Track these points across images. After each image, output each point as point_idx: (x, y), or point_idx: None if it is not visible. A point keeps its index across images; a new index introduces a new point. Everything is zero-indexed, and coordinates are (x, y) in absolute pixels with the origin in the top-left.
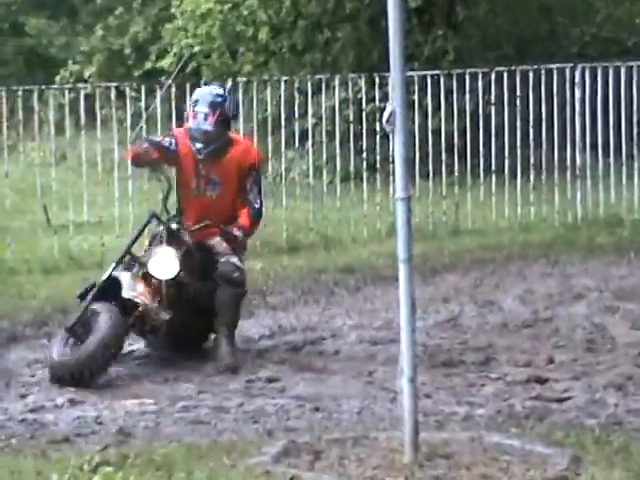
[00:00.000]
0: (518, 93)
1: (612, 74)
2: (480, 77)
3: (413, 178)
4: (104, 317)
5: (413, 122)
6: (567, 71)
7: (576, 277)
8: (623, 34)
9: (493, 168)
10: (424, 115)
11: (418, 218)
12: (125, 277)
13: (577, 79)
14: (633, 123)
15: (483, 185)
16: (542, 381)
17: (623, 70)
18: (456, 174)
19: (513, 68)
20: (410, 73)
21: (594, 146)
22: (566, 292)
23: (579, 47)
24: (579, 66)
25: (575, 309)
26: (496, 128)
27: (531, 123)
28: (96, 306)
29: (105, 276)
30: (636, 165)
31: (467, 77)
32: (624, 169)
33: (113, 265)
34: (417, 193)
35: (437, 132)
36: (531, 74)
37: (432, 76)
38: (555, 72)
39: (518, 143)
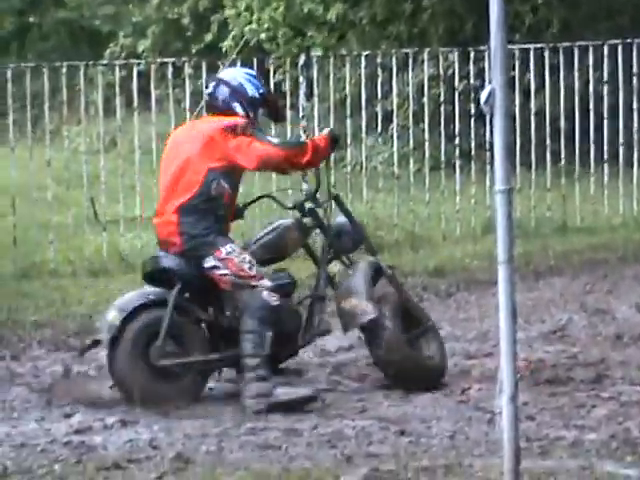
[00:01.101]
0: (635, 69)
1: None
2: (591, 51)
3: (513, 167)
4: None
5: (513, 103)
6: None
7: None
8: None
9: (605, 156)
10: (526, 95)
11: (519, 213)
12: None
13: None
14: None
15: (594, 176)
16: None
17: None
18: (563, 163)
19: (629, 40)
20: (510, 46)
21: None
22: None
23: None
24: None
25: None
26: (609, 110)
27: None
28: None
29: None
30: None
31: (576, 51)
32: None
33: None
34: (518, 185)
35: (541, 114)
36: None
37: (535, 50)
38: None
39: (635, 127)
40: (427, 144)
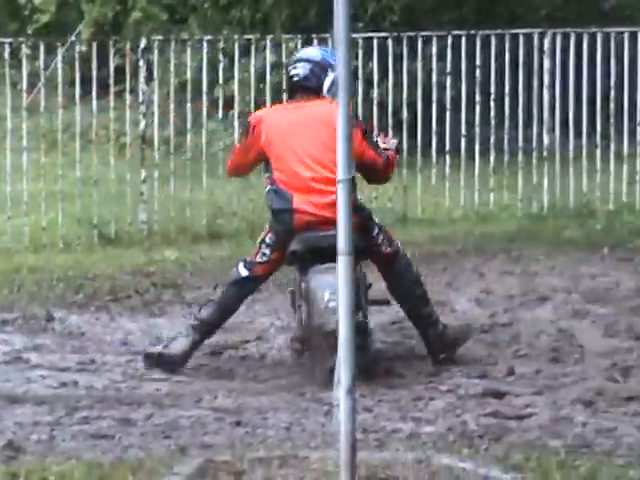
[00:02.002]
0: (478, 62)
1: (587, 41)
2: (434, 41)
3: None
4: None
5: (356, 92)
6: (535, 37)
7: (541, 276)
8: None
9: (447, 148)
10: (368, 84)
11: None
12: None
13: (546, 46)
14: (610, 99)
15: (435, 167)
16: (500, 395)
17: (599, 37)
18: (404, 154)
19: (473, 32)
20: (354, 35)
21: (565, 124)
22: (529, 293)
23: (549, 9)
24: (549, 32)
25: (539, 313)
26: (452, 101)
27: (492, 96)
28: None
29: None
30: (612, 147)
31: (419, 41)
32: (598, 152)
33: None
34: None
35: (383, 104)
36: (493, 40)
37: (379, 39)
38: (521, 38)
39: (477, 119)
40: None
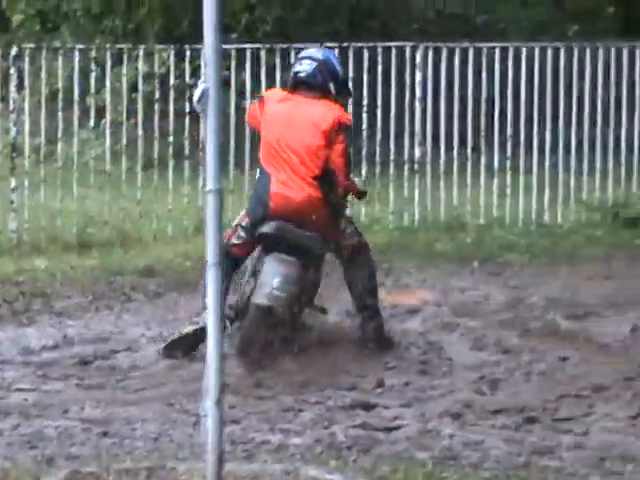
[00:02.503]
0: (350, 74)
1: (458, 55)
2: None
3: (227, 168)
4: None
5: (228, 103)
6: (407, 50)
7: (411, 288)
8: (471, 11)
9: None
10: (241, 95)
11: (231, 214)
12: None
13: (418, 60)
14: (480, 112)
15: None
16: (369, 407)
17: (471, 51)
18: None
19: (345, 44)
20: (226, 46)
21: (436, 138)
22: (399, 305)
23: (421, 23)
24: (421, 45)
25: (408, 325)
26: None
27: (364, 108)
28: None
29: None
30: (483, 161)
31: (292, 52)
32: (469, 165)
33: None
34: (231, 185)
35: None
36: (366, 52)
37: (252, 50)
38: (394, 51)
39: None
40: (140, 141)
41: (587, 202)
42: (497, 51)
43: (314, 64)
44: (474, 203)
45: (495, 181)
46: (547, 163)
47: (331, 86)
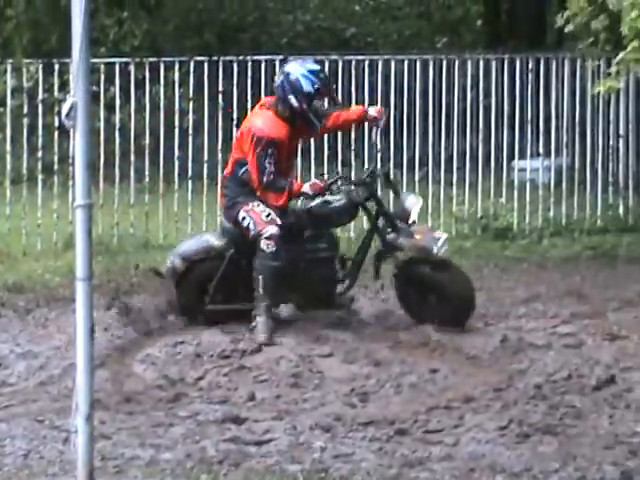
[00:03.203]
0: (220, 87)
1: (328, 68)
2: (177, 67)
3: (96, 183)
4: None
5: (98, 117)
6: (277, 63)
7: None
8: (340, 24)
9: (190, 174)
10: (109, 109)
11: (102, 230)
12: None
13: None
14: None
15: (178, 193)
16: (240, 421)
17: (340, 64)
18: (147, 180)
19: (215, 58)
20: (95, 60)
21: (306, 150)
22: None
23: (291, 37)
24: (290, 58)
25: (281, 338)
26: (194, 127)
27: (235, 122)
28: None
29: None
30: (353, 173)
31: (162, 66)
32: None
33: None
34: (101, 200)
35: (125, 130)
36: (235, 65)
37: (121, 64)
38: (263, 64)
39: (219, 145)
40: (9, 157)
41: (457, 214)
42: (366, 63)
43: (281, 76)
44: None
45: None
46: (417, 175)
47: (291, 98)
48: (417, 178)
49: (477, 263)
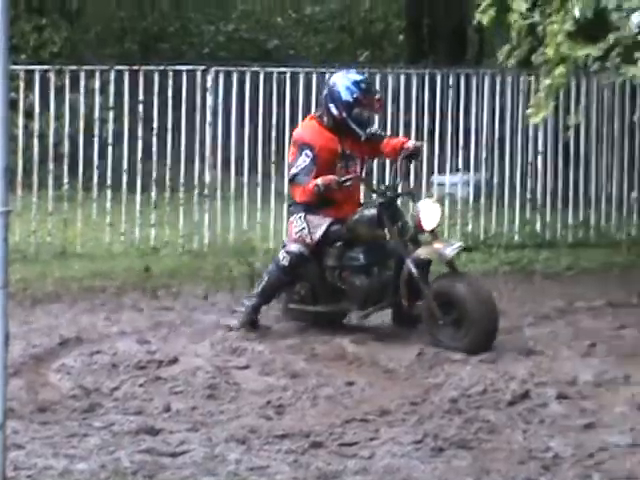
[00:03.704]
0: (141, 97)
1: (249, 80)
2: (97, 75)
3: (14, 190)
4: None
5: (16, 125)
6: (198, 74)
7: (201, 312)
8: (262, 35)
9: (109, 182)
10: (28, 116)
11: (18, 237)
12: None
13: (209, 83)
14: (271, 138)
15: (96, 202)
16: (155, 432)
17: (262, 75)
18: (65, 187)
19: (136, 67)
20: (15, 67)
21: (226, 162)
22: (187, 329)
23: (213, 47)
24: (212, 69)
25: (197, 349)
26: (114, 136)
27: (155, 132)
28: None
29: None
30: (273, 186)
31: (82, 75)
32: (259, 190)
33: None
34: (18, 208)
35: (44, 137)
36: (157, 75)
37: (40, 71)
38: (185, 74)
39: (139, 155)
40: None
41: None
42: (288, 76)
43: (326, 88)
44: (264, 227)
45: (285, 206)
46: None
47: (331, 107)
48: None
49: None
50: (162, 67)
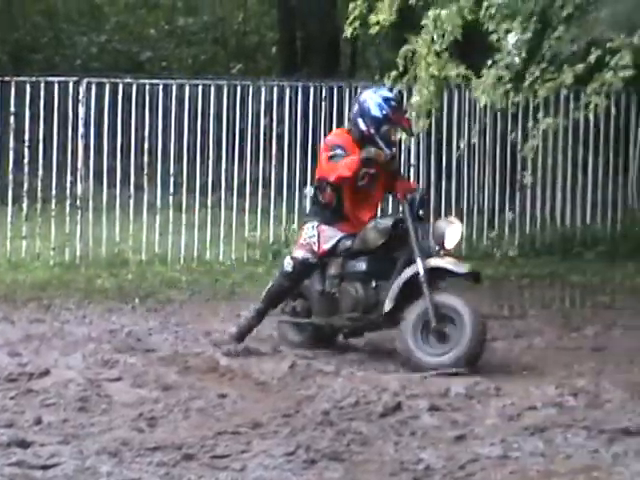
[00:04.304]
0: (12, 108)
1: (122, 91)
2: None
3: None
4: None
5: None
6: (70, 85)
7: (71, 324)
8: (135, 47)
9: None
10: None
11: None
12: None
13: (81, 95)
14: (144, 149)
15: None
16: (25, 445)
17: (135, 87)
18: None
19: (8, 79)
20: None
21: (98, 174)
22: (59, 341)
23: (85, 58)
24: (84, 80)
25: (69, 361)
26: None
27: (26, 143)
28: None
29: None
30: (145, 198)
31: None
32: (131, 202)
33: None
34: None
35: None
36: (28, 86)
37: None
38: (57, 85)
39: (10, 166)
40: None
41: (248, 240)
42: (160, 87)
43: (356, 104)
44: (136, 240)
45: (157, 218)
46: (209, 200)
47: (359, 122)
48: (209, 204)
49: None
50: (34, 78)
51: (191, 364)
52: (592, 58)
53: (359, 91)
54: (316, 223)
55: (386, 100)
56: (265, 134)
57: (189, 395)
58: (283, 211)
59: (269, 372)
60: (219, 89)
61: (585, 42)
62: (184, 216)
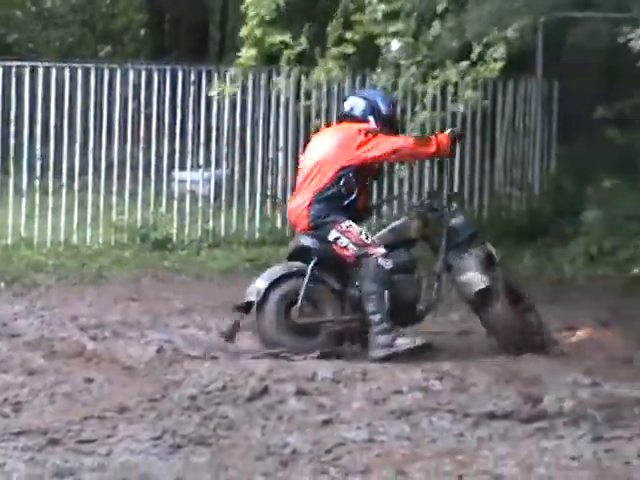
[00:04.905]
0: None
1: None
2: None
3: None
4: None
5: None
6: None
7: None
8: (1, 29)
9: None
10: None
11: None
12: None
13: None
14: (10, 133)
15: None
16: None
17: (1, 70)
18: None
19: None
20: None
21: None
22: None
23: None
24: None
25: None
26: None
27: None
28: None
29: None
30: (12, 182)
31: None
32: None
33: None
34: None
35: None
36: None
37: None
38: None
39: None
40: None
41: (116, 223)
42: (27, 70)
43: (353, 100)
44: (2, 223)
45: (24, 201)
46: (76, 184)
47: (370, 119)
48: (76, 187)
49: (135, 273)
50: None
51: (57, 348)
52: (474, 56)
53: (356, 89)
54: (347, 221)
55: (389, 100)
56: (133, 117)
57: (55, 380)
58: (151, 194)
59: (136, 357)
60: (86, 72)
61: (462, 41)
62: (51, 199)
